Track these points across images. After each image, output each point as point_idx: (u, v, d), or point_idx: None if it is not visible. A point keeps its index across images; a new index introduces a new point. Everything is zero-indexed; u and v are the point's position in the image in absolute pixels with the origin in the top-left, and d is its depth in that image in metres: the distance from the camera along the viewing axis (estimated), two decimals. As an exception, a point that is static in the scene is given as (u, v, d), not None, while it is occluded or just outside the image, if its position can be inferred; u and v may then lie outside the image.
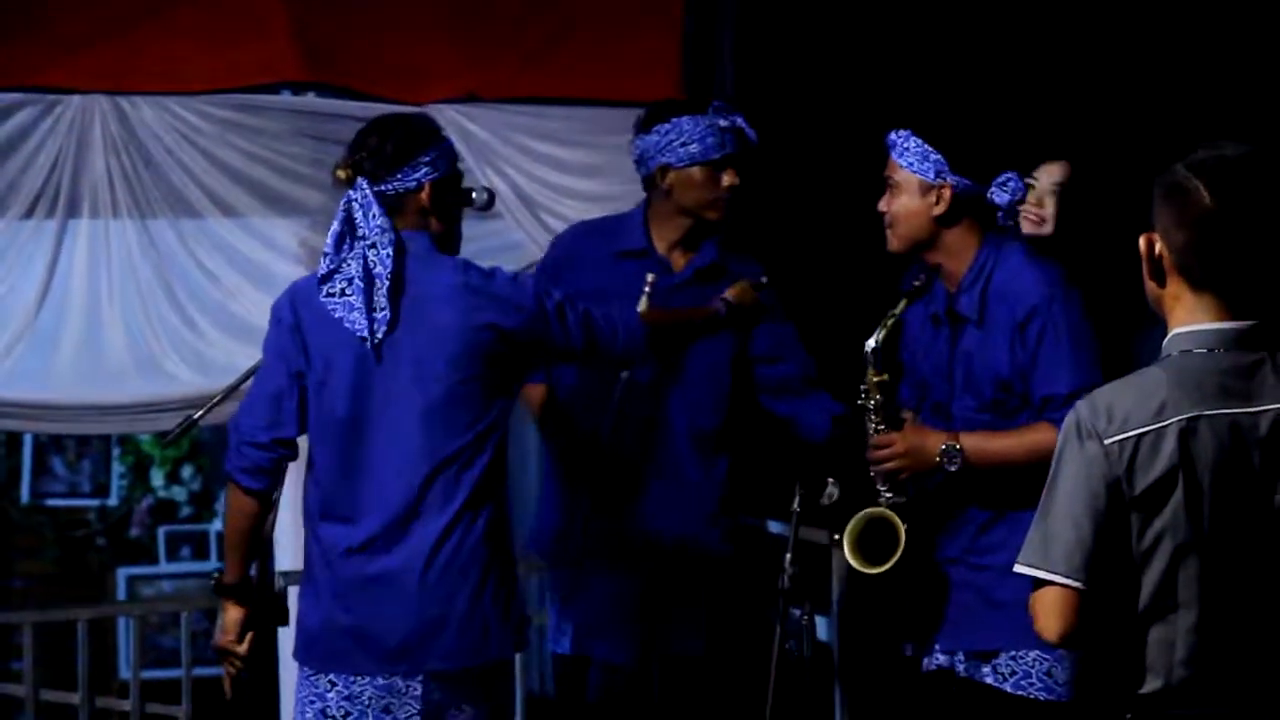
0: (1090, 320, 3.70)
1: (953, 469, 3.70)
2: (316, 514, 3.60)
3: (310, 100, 5.00)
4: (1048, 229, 4.17)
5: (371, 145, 3.59)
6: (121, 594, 7.37)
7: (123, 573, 7.45)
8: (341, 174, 3.58)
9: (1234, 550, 2.58)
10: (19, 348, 4.74)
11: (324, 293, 3.53)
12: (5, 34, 4.73)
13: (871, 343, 3.76)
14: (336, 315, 3.52)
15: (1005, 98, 5.15)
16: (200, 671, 5.12)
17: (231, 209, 4.89)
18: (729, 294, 4.06)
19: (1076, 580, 2.58)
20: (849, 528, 3.78)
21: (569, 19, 5.16)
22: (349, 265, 3.52)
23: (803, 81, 5.19)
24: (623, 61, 5.17)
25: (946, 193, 3.73)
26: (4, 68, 4.73)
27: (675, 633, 4.26)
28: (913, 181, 3.76)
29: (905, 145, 3.76)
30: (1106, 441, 2.57)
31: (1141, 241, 2.67)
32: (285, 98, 4.99)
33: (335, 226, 3.55)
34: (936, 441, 3.71)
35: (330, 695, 3.55)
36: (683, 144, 4.18)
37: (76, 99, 4.74)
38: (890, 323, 3.75)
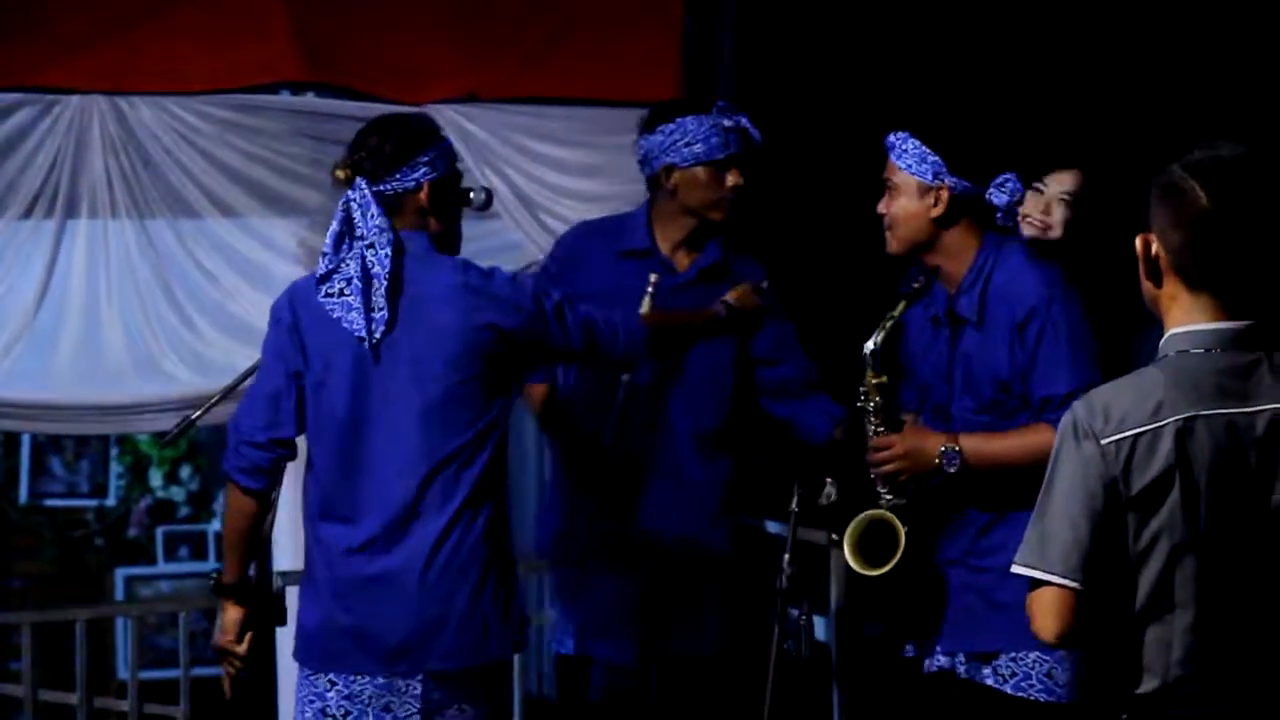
0: (1090, 321, 3.70)
1: (952, 470, 3.70)
2: (316, 514, 3.61)
3: (309, 100, 5.00)
4: (1055, 234, 4.17)
5: (370, 145, 3.59)
6: (119, 594, 7.37)
7: (121, 573, 7.45)
8: (340, 174, 3.59)
9: (1231, 550, 2.58)
10: (17, 348, 4.73)
11: (322, 293, 3.53)
12: (4, 34, 4.72)
13: (870, 345, 3.75)
14: (335, 315, 3.52)
15: (1007, 98, 5.15)
16: (198, 671, 5.12)
17: (230, 209, 4.89)
18: (729, 297, 4.06)
19: (1073, 580, 2.58)
20: (849, 530, 3.78)
21: (569, 19, 5.16)
22: (347, 265, 3.52)
23: (803, 82, 5.19)
24: (622, 61, 5.17)
25: (944, 194, 3.74)
26: (3, 67, 4.72)
27: (678, 633, 4.27)
28: (911, 183, 3.76)
29: (903, 147, 3.77)
30: (1103, 442, 2.58)
31: (1138, 242, 2.67)
32: (284, 98, 4.99)
33: (334, 226, 3.55)
34: (936, 443, 3.72)
35: (330, 695, 3.55)
36: (687, 144, 4.18)
37: (75, 99, 4.74)
38: (889, 325, 3.75)
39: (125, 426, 5.37)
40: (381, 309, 3.50)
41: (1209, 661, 2.59)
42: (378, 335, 3.51)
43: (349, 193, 3.55)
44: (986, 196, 3.74)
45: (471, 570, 3.52)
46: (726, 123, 4.20)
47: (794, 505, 3.97)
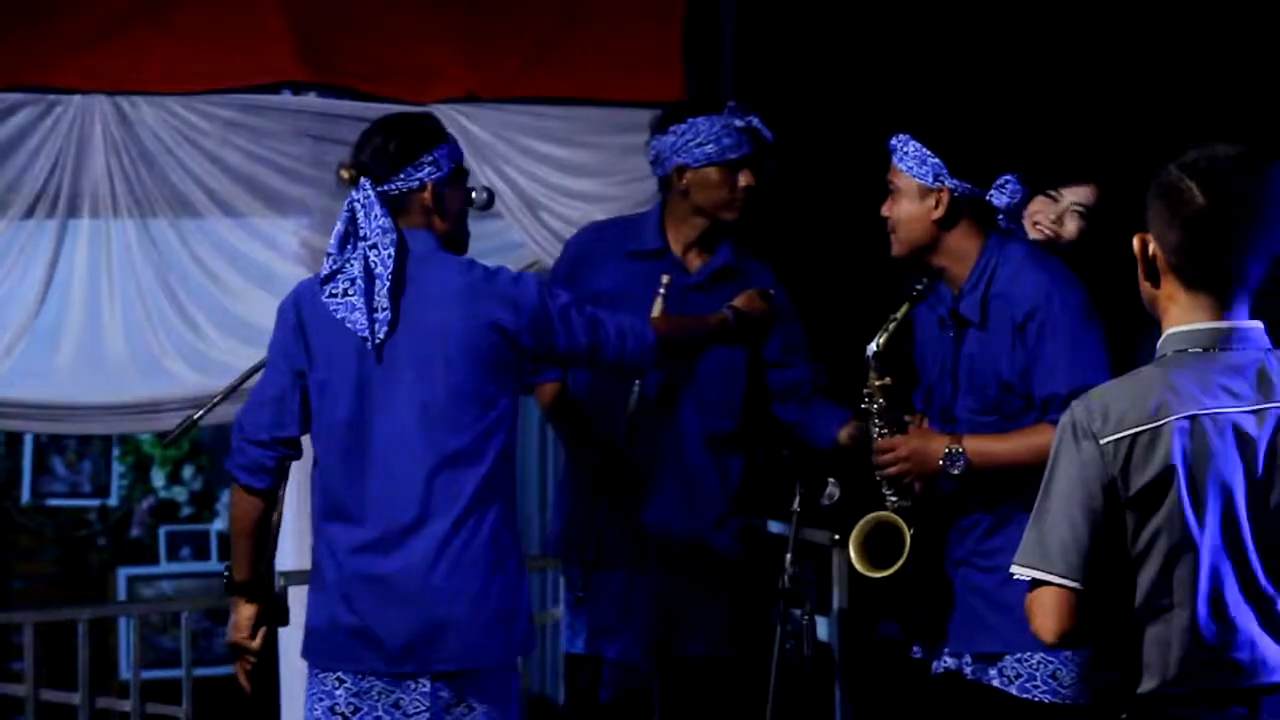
0: (1094, 320, 3.69)
1: (956, 472, 3.70)
2: (322, 514, 3.61)
3: (311, 100, 5.00)
4: (1064, 241, 4.17)
5: (375, 145, 3.59)
6: (122, 594, 7.38)
7: (123, 573, 7.45)
8: (345, 174, 3.59)
9: (1229, 550, 2.58)
10: (19, 347, 4.74)
11: (326, 293, 3.53)
12: (5, 34, 4.73)
13: (873, 347, 3.75)
14: (339, 316, 3.52)
15: (1011, 97, 5.15)
16: (200, 671, 5.13)
17: (232, 209, 4.89)
18: (738, 303, 4.07)
19: (1073, 580, 2.58)
20: (855, 531, 3.78)
21: (569, 19, 5.16)
22: (351, 265, 3.52)
23: (804, 82, 5.19)
24: (624, 61, 5.17)
25: (945, 196, 3.73)
26: (4, 67, 4.72)
27: (688, 634, 4.26)
28: (912, 186, 3.76)
29: (905, 149, 3.77)
30: (1102, 441, 2.58)
31: (1135, 242, 2.68)
32: (286, 98, 4.99)
33: (339, 227, 3.55)
34: (939, 445, 3.71)
35: (339, 692, 3.55)
36: (699, 144, 4.18)
37: (77, 99, 4.74)
38: (892, 327, 3.75)
39: (127, 426, 5.37)
40: (384, 309, 3.50)
41: (1208, 661, 2.59)
42: (380, 335, 3.51)
43: (353, 193, 3.55)
44: (987, 198, 3.74)
45: (478, 571, 3.52)
46: (738, 123, 4.20)
47: (796, 505, 3.97)
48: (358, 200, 3.54)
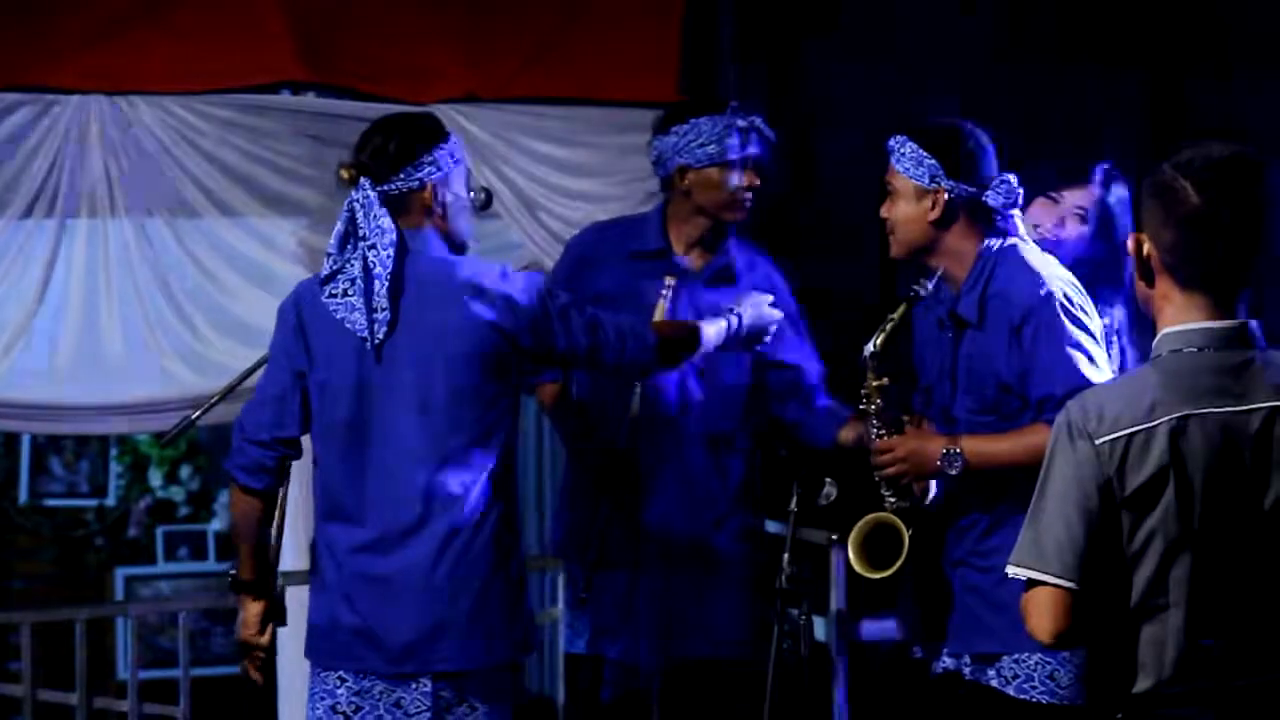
0: (1091, 321, 3.69)
1: (953, 472, 3.70)
2: (323, 514, 3.61)
3: (309, 100, 5.00)
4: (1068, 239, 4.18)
5: (375, 144, 3.59)
6: (119, 594, 7.37)
7: (121, 573, 7.45)
8: (345, 174, 3.58)
9: (1225, 549, 2.58)
10: (17, 348, 4.73)
11: (326, 293, 3.53)
12: (4, 34, 4.72)
13: (869, 348, 3.75)
14: (338, 316, 3.52)
15: (1010, 98, 5.15)
16: (198, 671, 5.12)
17: (230, 209, 4.89)
18: (738, 307, 4.07)
19: (1069, 580, 2.58)
20: (854, 532, 3.78)
21: (569, 19, 5.16)
22: (351, 265, 3.52)
23: (805, 82, 5.19)
24: (623, 61, 5.17)
25: (941, 197, 3.73)
26: (3, 67, 4.72)
27: (690, 634, 4.26)
28: (909, 187, 3.76)
29: (902, 151, 3.77)
30: (1097, 442, 2.58)
31: (1130, 242, 2.68)
32: (284, 97, 4.99)
33: (339, 227, 3.55)
34: (937, 445, 3.72)
35: (340, 691, 3.55)
36: (701, 145, 4.18)
37: (75, 99, 4.74)
38: (889, 327, 3.75)
39: (125, 426, 5.36)
40: (384, 309, 3.50)
41: (1203, 660, 2.59)
42: (380, 335, 3.51)
43: (353, 193, 3.55)
44: (984, 199, 3.74)
45: (479, 571, 3.51)
46: (740, 123, 4.20)
47: (793, 505, 3.97)
48: (357, 200, 3.53)
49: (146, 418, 4.89)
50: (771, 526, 4.61)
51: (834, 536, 4.67)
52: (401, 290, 3.52)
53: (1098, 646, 2.70)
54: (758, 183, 4.21)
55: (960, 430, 3.75)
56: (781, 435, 4.36)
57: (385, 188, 3.55)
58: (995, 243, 3.76)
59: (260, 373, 4.28)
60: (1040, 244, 4.03)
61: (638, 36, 5.18)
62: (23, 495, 7.47)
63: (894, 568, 3.73)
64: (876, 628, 4.81)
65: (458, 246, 3.66)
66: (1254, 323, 2.65)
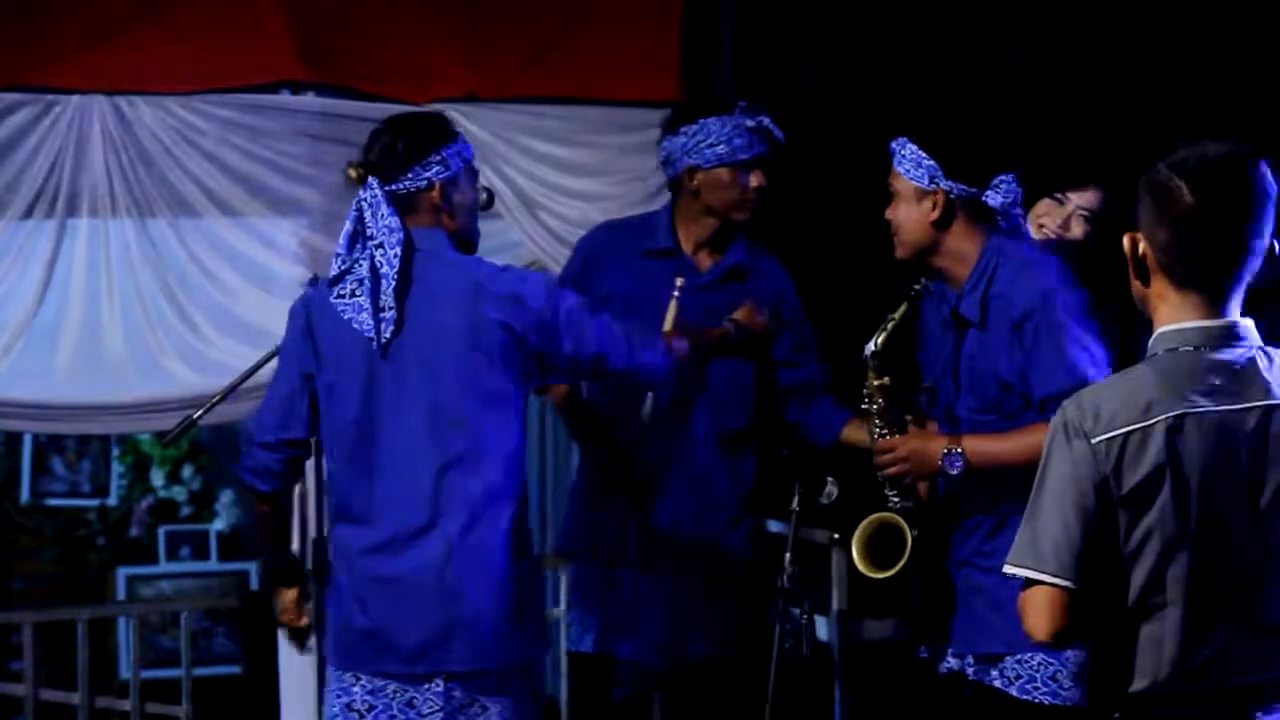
0: (1093, 321, 3.69)
1: (955, 472, 3.70)
2: (334, 515, 3.61)
3: (309, 100, 4.99)
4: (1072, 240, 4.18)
5: (383, 144, 3.58)
6: (121, 594, 7.37)
7: (123, 572, 7.45)
8: (353, 173, 3.57)
9: (1222, 548, 2.58)
10: (18, 347, 4.73)
11: (335, 294, 3.52)
12: (4, 34, 4.72)
13: (870, 347, 3.75)
14: (346, 317, 3.51)
15: (1011, 98, 5.15)
16: (200, 671, 5.12)
17: (231, 208, 4.89)
18: (738, 315, 4.07)
19: (1066, 579, 2.58)
20: (857, 532, 3.78)
21: (569, 19, 5.16)
22: (360, 266, 3.51)
23: (802, 82, 5.19)
24: (623, 61, 5.17)
25: (940, 198, 3.74)
26: (3, 67, 4.72)
27: (699, 634, 4.26)
28: (910, 188, 3.77)
29: (903, 153, 3.78)
30: (1094, 440, 2.58)
31: (1125, 241, 2.68)
32: (284, 97, 4.98)
33: (347, 226, 3.54)
34: (938, 445, 3.72)
35: (355, 689, 3.55)
36: (710, 145, 4.18)
37: (75, 98, 4.74)
38: (890, 327, 3.75)
39: (126, 426, 5.37)
40: (390, 309, 3.49)
41: (1201, 659, 2.59)
42: (386, 335, 3.50)
43: (361, 192, 3.54)
44: (983, 198, 3.74)
45: (491, 572, 3.51)
46: (749, 123, 4.20)
47: (795, 504, 3.97)
48: (365, 199, 3.52)
49: (148, 417, 4.89)
50: (773, 526, 4.61)
51: (836, 536, 4.67)
52: (409, 290, 3.51)
53: (1095, 646, 2.70)
54: (765, 183, 4.21)
55: (963, 429, 3.75)
56: (783, 435, 4.36)
57: (393, 187, 3.54)
58: (998, 242, 3.76)
59: (263, 372, 4.31)
60: (1045, 244, 4.04)
61: (638, 36, 5.17)
62: (24, 495, 7.47)
63: (897, 568, 3.72)
64: (878, 627, 4.81)
65: (466, 246, 3.65)
66: (1249, 321, 2.65)
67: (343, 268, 3.52)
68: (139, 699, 4.80)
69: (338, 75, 4.98)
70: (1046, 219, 4.17)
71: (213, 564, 7.43)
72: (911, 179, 3.75)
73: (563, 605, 4.85)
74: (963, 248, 3.76)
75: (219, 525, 7.51)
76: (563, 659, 4.87)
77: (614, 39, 5.15)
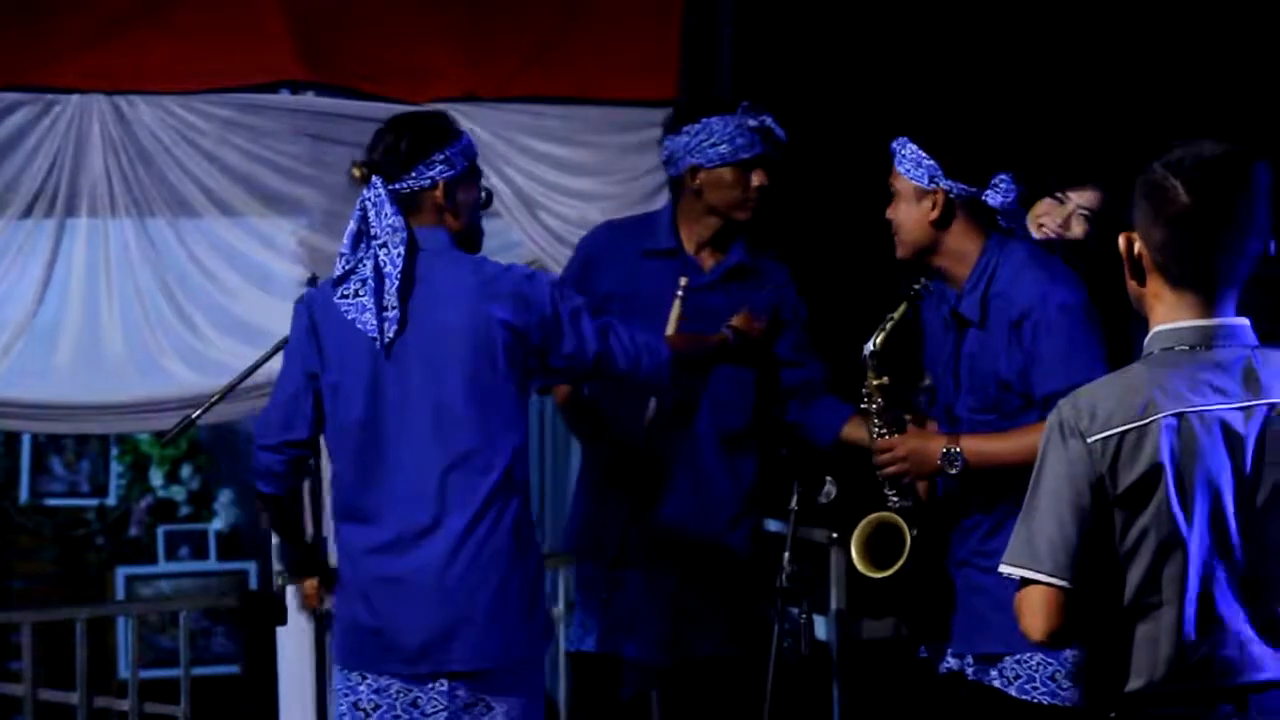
0: (1092, 320, 3.69)
1: (954, 472, 3.70)
2: (339, 515, 3.61)
3: (309, 100, 4.99)
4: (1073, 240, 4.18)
5: (387, 143, 3.58)
6: (120, 593, 7.36)
7: (121, 572, 7.43)
8: (356, 173, 3.57)
9: (1218, 547, 2.58)
10: (17, 347, 4.73)
11: (338, 294, 3.52)
12: (4, 33, 4.72)
13: (869, 346, 3.75)
14: (349, 317, 3.51)
15: (1012, 98, 5.15)
16: (199, 671, 5.11)
17: (230, 208, 4.89)
18: (735, 322, 4.07)
19: (1061, 579, 2.58)
20: (856, 532, 3.78)
21: (569, 19, 5.16)
22: (364, 266, 3.51)
23: (802, 81, 5.19)
24: (622, 61, 5.17)
25: (940, 197, 3.74)
26: (2, 67, 4.72)
27: (701, 633, 4.26)
28: (910, 188, 3.77)
29: (903, 152, 3.78)
30: (1089, 440, 2.58)
31: (1121, 240, 2.68)
32: (284, 97, 4.98)
33: (351, 226, 3.54)
34: (937, 445, 3.72)
35: (361, 688, 3.55)
36: (712, 144, 4.18)
37: (75, 98, 4.74)
38: (889, 326, 3.75)
39: (125, 426, 5.37)
40: (393, 308, 3.49)
41: (1196, 658, 2.59)
42: (389, 335, 3.50)
43: (365, 191, 3.54)
44: (983, 198, 3.74)
45: (494, 571, 3.51)
46: (751, 123, 4.20)
47: (793, 503, 3.96)
48: (369, 199, 3.52)
49: (147, 417, 4.89)
50: (772, 525, 4.61)
51: (834, 535, 4.67)
52: (413, 289, 3.51)
53: (1091, 645, 2.70)
54: (768, 183, 4.22)
55: (962, 429, 3.75)
56: (782, 434, 4.36)
57: (397, 186, 3.54)
58: (998, 242, 3.76)
59: (262, 372, 4.31)
60: (1045, 244, 4.04)
61: (637, 36, 5.18)
62: (23, 495, 7.46)
63: (895, 567, 3.72)
64: (876, 627, 4.81)
65: (470, 245, 3.65)
66: (1244, 320, 2.65)
67: (347, 267, 3.52)
68: (138, 698, 4.79)
69: (337, 75, 4.98)
70: (1046, 218, 4.18)
71: (211, 563, 7.42)
72: (911, 178, 3.75)
73: (561, 605, 4.85)
74: (963, 247, 3.76)
75: (218, 525, 7.50)
76: (560, 658, 4.87)
77: (614, 39, 5.15)
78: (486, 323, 3.50)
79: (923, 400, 3.91)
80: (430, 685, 3.50)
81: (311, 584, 3.91)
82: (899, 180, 3.79)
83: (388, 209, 3.50)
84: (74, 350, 4.80)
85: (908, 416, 3.81)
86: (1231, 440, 2.59)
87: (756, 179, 4.21)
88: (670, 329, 4.04)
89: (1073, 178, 4.21)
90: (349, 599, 3.58)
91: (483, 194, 3.86)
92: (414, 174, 3.55)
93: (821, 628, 4.73)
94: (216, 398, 4.27)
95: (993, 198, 3.74)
